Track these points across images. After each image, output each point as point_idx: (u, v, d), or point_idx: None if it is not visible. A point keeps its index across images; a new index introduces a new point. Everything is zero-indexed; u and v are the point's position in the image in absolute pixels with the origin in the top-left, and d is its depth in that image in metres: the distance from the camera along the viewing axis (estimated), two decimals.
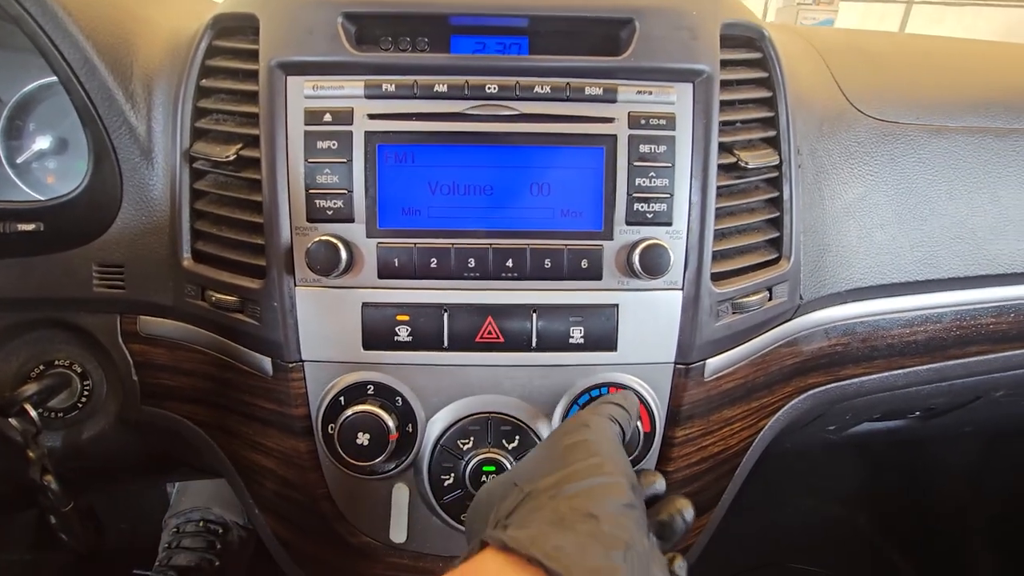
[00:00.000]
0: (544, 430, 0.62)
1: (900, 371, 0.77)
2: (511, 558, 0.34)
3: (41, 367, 0.69)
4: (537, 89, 0.57)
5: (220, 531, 1.25)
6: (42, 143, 0.77)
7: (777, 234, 0.66)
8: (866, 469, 1.55)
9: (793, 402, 0.74)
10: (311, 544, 0.70)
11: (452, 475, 0.62)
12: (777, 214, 0.66)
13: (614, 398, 0.53)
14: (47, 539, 1.13)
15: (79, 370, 0.70)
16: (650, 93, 0.58)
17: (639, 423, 0.60)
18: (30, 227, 0.63)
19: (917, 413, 0.96)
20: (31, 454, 0.65)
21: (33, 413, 0.64)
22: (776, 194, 0.65)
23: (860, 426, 0.98)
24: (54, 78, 0.72)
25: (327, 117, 0.57)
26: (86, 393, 0.70)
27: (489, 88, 0.57)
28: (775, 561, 1.45)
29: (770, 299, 0.65)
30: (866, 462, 1.55)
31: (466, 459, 0.61)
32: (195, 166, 0.62)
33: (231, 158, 0.59)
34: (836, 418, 0.86)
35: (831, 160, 0.70)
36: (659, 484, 0.49)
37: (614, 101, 0.58)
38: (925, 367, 0.77)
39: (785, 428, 0.75)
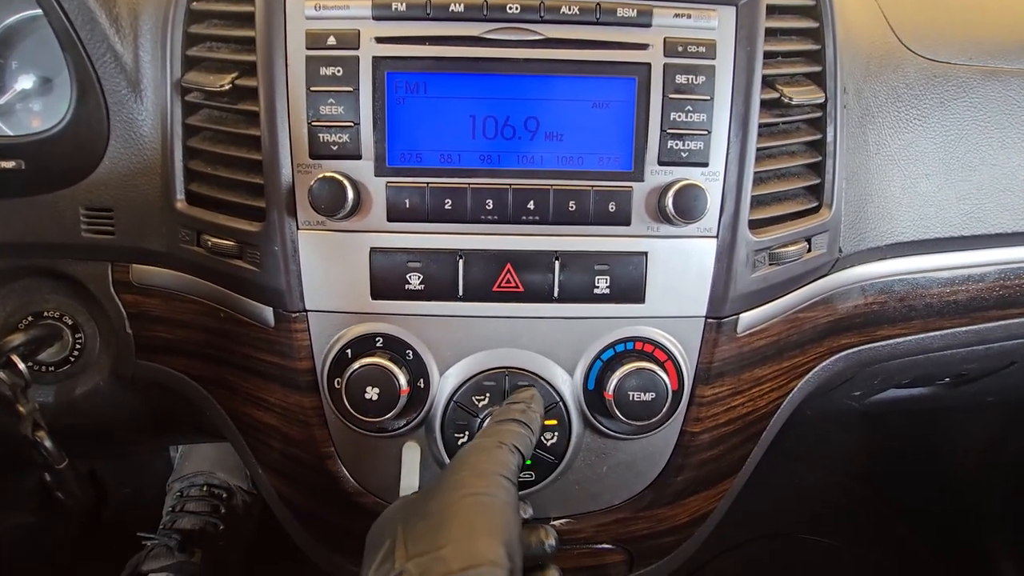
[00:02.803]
0: (565, 387, 0.58)
1: (937, 332, 0.73)
2: None
3: (29, 318, 0.65)
4: (564, 10, 0.52)
5: (224, 495, 1.23)
6: (25, 82, 0.71)
7: (817, 180, 0.61)
8: (875, 441, 1.53)
9: (824, 363, 0.70)
10: (316, 505, 0.67)
11: (466, 433, 0.58)
12: (818, 159, 0.61)
13: (517, 414, 0.51)
14: (50, 502, 1.11)
15: (70, 322, 0.66)
16: (689, 17, 0.52)
17: (667, 379, 0.56)
18: (10, 164, 0.58)
19: (947, 380, 0.92)
20: (21, 408, 0.62)
21: (21, 365, 0.61)
22: (818, 136, 0.60)
23: (883, 394, 0.94)
24: (34, 11, 0.67)
25: (331, 40, 0.52)
26: (78, 346, 0.66)
27: (511, 8, 0.51)
28: (783, 532, 1.44)
29: (809, 250, 0.61)
30: (875, 434, 1.53)
31: (481, 416, 0.57)
32: (187, 99, 0.57)
33: (226, 88, 0.54)
34: (864, 382, 0.82)
35: (877, 102, 0.65)
36: (548, 543, 0.47)
37: (649, 25, 0.52)
38: (963, 329, 0.73)
39: (814, 391, 0.72)
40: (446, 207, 0.54)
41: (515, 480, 0.46)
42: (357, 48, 0.52)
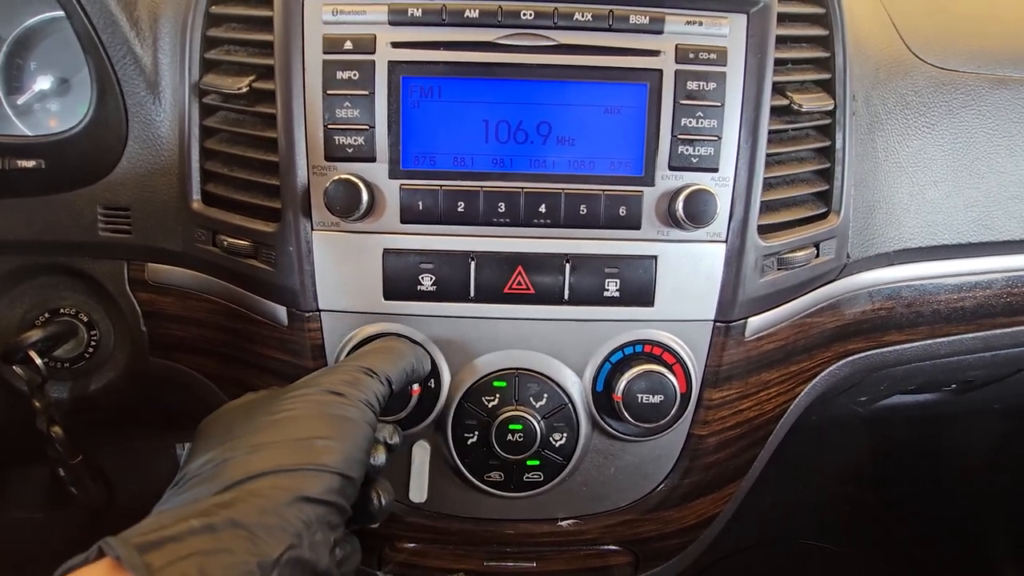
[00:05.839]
0: (574, 389, 0.59)
1: (944, 339, 0.73)
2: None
3: (46, 315, 0.66)
4: (577, 16, 0.52)
5: None
6: (43, 83, 0.72)
7: (826, 187, 0.62)
8: (879, 447, 1.53)
9: (831, 368, 0.70)
10: None
11: (476, 433, 0.59)
12: (827, 165, 0.61)
13: (409, 354, 0.52)
14: (59, 498, 1.12)
15: (86, 319, 0.67)
16: (700, 24, 0.53)
17: (675, 381, 0.57)
18: (30, 164, 0.59)
19: (952, 386, 0.92)
20: (37, 404, 0.63)
21: (38, 361, 0.62)
22: (827, 143, 0.61)
23: (889, 400, 0.94)
24: (55, 12, 0.68)
25: (347, 45, 0.53)
26: (93, 343, 0.67)
27: (524, 15, 0.52)
28: (786, 537, 1.43)
29: (817, 256, 0.61)
30: (879, 440, 1.52)
31: (491, 417, 0.58)
32: (205, 101, 0.58)
33: (243, 90, 0.55)
34: (870, 388, 0.83)
35: (886, 109, 0.65)
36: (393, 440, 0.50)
37: (660, 32, 0.53)
38: (970, 335, 0.73)
39: (820, 396, 0.72)
40: (459, 209, 0.54)
41: (376, 408, 0.46)
42: (373, 53, 0.53)
